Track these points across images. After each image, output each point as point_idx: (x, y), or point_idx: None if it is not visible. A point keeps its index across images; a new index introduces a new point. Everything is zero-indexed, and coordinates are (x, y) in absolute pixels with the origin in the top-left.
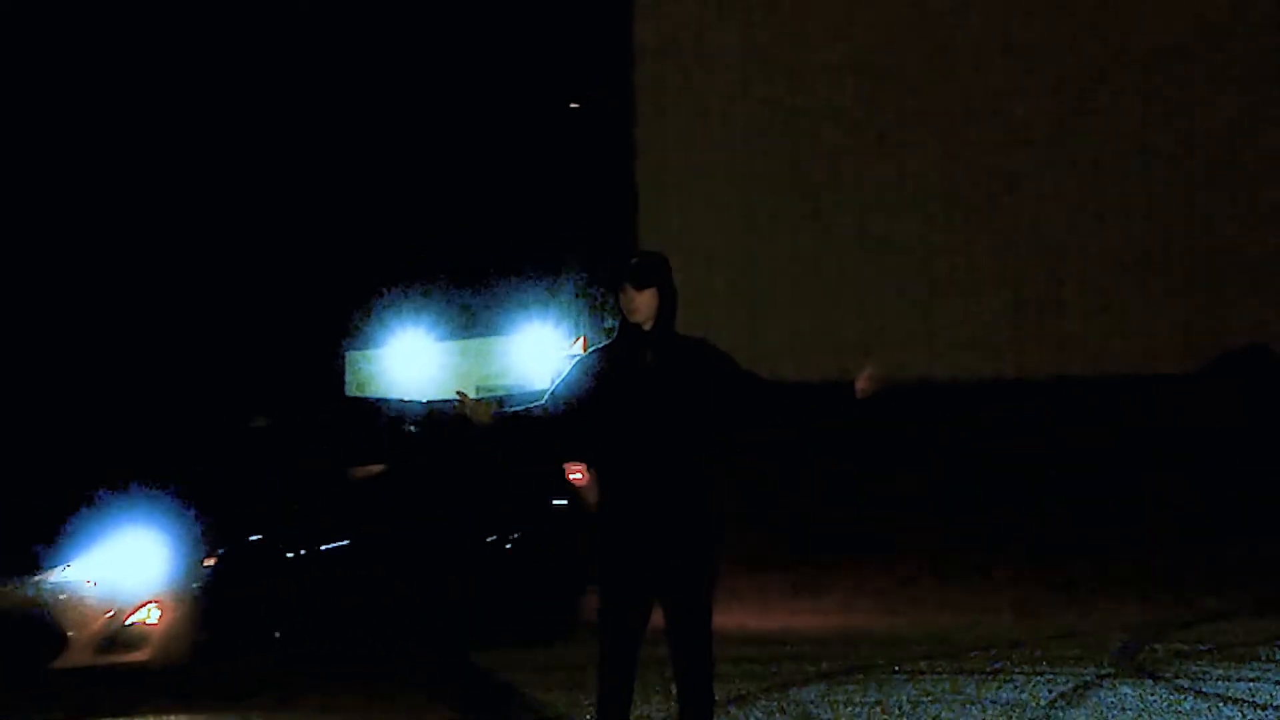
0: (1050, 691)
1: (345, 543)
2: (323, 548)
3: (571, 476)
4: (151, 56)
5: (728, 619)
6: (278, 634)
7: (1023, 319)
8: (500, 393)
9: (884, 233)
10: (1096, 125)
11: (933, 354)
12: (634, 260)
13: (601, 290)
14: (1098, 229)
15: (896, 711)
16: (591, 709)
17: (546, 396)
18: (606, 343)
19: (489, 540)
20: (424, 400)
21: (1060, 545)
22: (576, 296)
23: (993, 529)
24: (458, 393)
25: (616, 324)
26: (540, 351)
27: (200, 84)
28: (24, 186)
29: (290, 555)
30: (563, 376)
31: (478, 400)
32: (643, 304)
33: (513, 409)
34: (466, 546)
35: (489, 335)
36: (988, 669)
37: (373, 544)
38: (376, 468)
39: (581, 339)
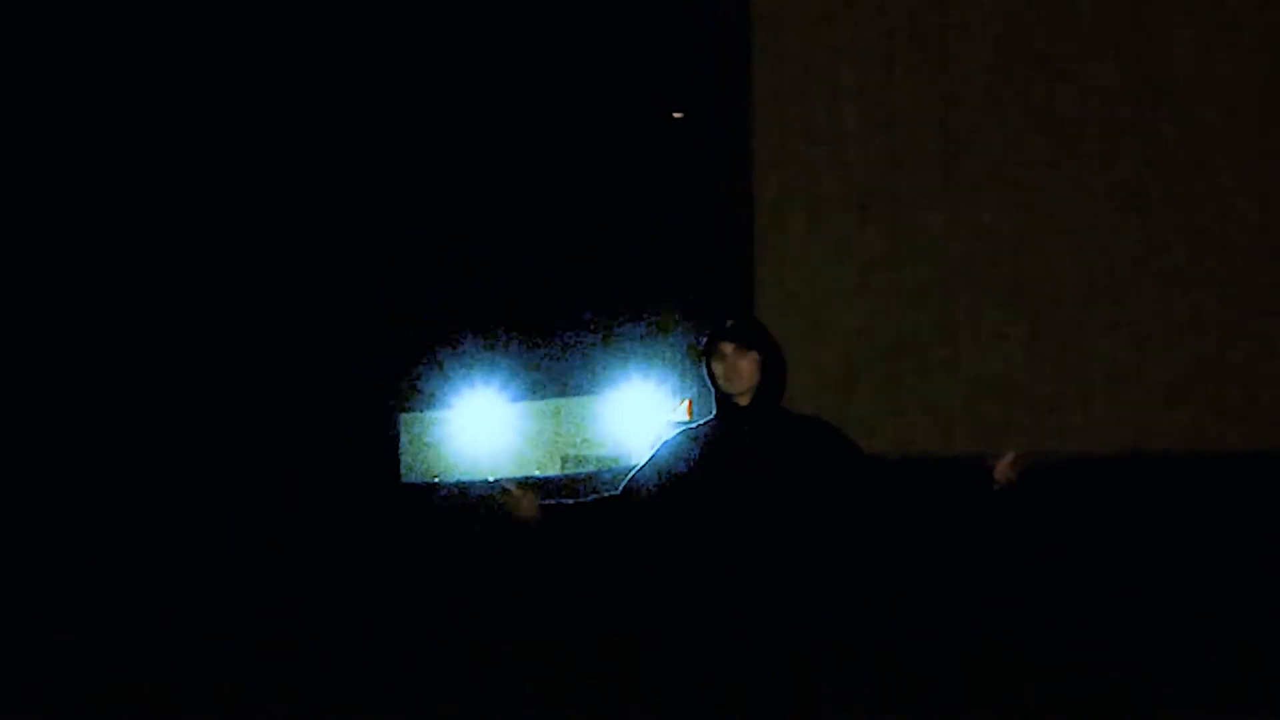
0: None
1: None
2: None
3: None
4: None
5: None
6: None
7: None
8: (591, 465)
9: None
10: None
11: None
12: (731, 320)
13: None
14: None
15: None
16: None
17: (623, 483)
18: (700, 422)
19: None
20: (492, 478)
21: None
22: (682, 349)
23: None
24: (502, 488)
25: (713, 399)
26: (638, 416)
27: (247, 101)
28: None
29: None
30: (647, 458)
31: (522, 490)
32: (744, 370)
33: (566, 502)
34: None
35: (575, 395)
36: None
37: None
38: None
39: (688, 401)
